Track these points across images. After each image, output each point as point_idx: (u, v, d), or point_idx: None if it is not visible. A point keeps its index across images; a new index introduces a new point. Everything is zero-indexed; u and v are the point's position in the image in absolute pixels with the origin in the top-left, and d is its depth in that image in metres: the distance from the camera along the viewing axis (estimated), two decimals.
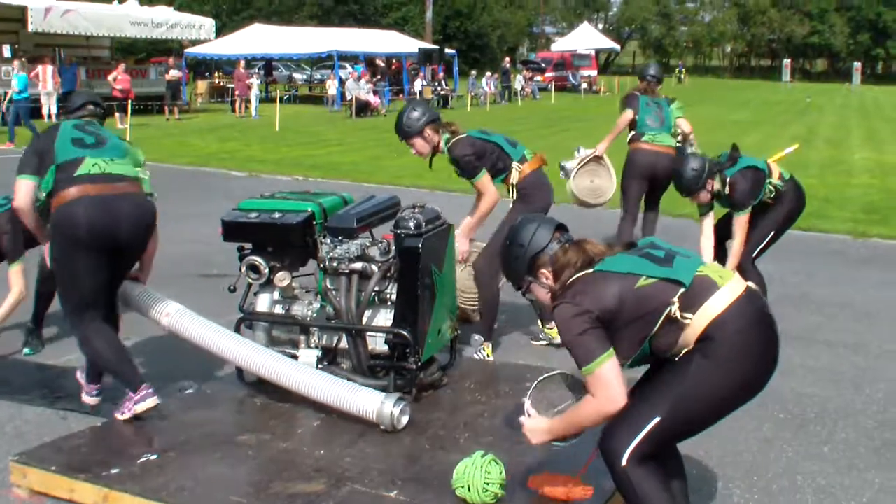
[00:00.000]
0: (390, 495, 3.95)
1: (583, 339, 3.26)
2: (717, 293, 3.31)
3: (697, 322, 3.27)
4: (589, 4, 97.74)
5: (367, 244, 5.27)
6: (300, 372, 4.83)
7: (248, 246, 5.34)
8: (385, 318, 5.13)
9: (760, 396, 3.51)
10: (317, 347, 5.25)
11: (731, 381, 3.32)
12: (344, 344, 5.18)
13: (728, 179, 7.07)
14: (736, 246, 7.10)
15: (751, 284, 3.49)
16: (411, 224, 5.04)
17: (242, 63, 33.94)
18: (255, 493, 4.01)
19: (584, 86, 50.15)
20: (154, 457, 4.32)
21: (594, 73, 56.54)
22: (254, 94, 32.16)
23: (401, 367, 5.03)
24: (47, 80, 26.62)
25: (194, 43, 36.75)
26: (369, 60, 39.73)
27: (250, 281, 5.29)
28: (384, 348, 5.12)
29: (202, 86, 39.45)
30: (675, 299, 3.29)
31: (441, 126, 6.34)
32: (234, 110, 32.65)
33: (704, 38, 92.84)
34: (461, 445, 4.45)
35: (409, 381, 5.03)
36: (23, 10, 28.23)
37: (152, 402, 4.81)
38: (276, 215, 5.27)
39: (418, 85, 37.50)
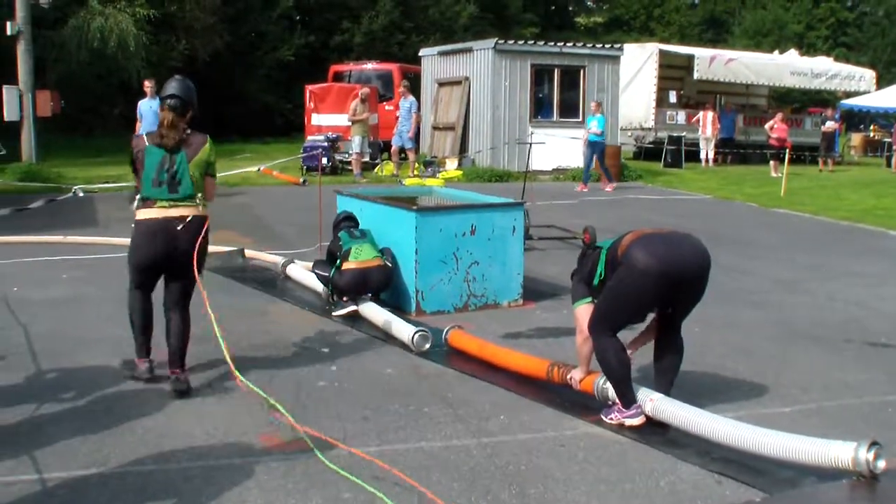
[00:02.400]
0: None
1: None
2: None
3: None
4: None
5: None
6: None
7: None
8: None
9: None
10: None
11: None
12: None
13: None
14: None
15: None
16: None
17: None
18: None
19: None
20: None
21: None
22: None
23: None
24: (706, 126, 27.33)
25: (849, 94, 35.28)
26: None
27: None
28: None
29: (857, 138, 37.70)
30: None
31: None
32: (889, 165, 30.56)
33: None
34: None
35: None
36: (690, 58, 29.49)
37: (639, 420, 5.41)
38: None
39: None
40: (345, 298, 8.07)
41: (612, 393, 5.62)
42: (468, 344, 6.88)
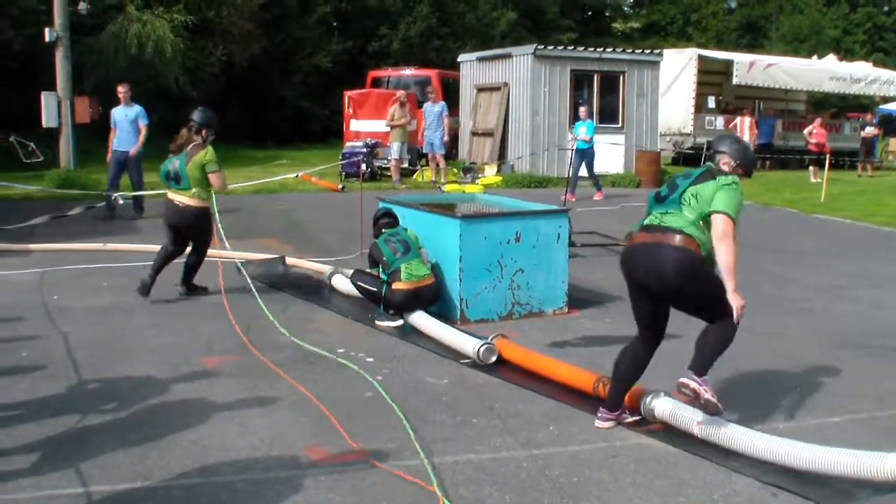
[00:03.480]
0: None
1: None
2: None
3: None
4: None
5: None
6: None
7: None
8: None
9: None
10: None
11: None
12: None
13: None
14: None
15: None
16: None
17: None
18: None
19: None
20: None
21: None
22: None
23: None
24: (744, 132, 27.05)
25: (887, 99, 34.85)
26: None
27: None
28: None
29: (895, 143, 37.24)
30: None
31: None
32: None
33: None
34: None
35: None
36: (728, 63, 29.21)
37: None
38: None
39: None
40: (391, 311, 8.00)
41: (658, 411, 5.51)
42: (513, 353, 6.76)
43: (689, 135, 28.49)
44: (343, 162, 21.12)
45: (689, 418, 5.36)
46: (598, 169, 22.22)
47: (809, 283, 10.44)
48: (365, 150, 21.28)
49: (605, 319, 8.38)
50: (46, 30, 20.29)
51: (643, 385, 5.61)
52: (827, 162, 21.54)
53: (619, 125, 23.12)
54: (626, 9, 66.10)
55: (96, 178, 19.48)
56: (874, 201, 20.15)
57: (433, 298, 8.07)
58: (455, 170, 21.90)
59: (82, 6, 22.31)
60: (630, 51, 24.97)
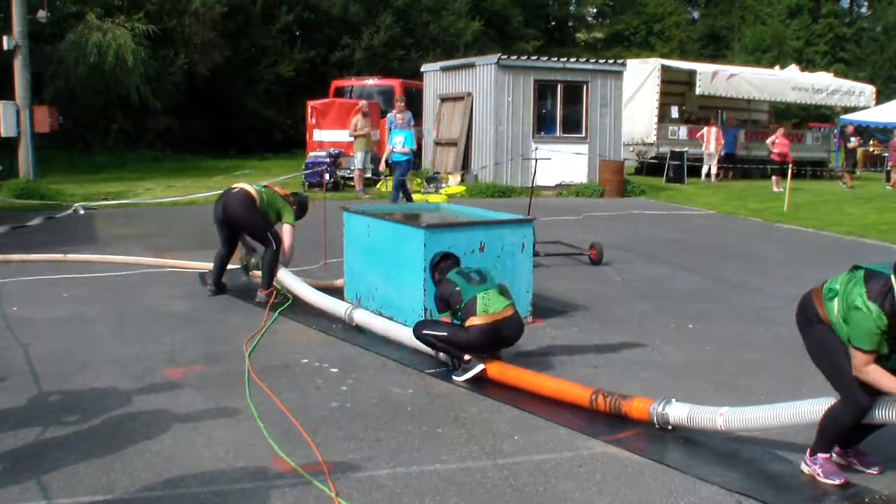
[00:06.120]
0: None
1: None
2: None
3: None
4: None
5: None
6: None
7: None
8: None
9: None
10: None
11: None
12: None
13: None
14: None
15: None
16: None
17: None
18: None
19: None
20: None
21: None
22: None
23: None
24: (710, 142, 27.30)
25: (848, 110, 35.37)
26: None
27: None
28: None
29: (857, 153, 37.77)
30: None
31: None
32: (887, 180, 30.55)
33: None
34: None
35: None
36: (692, 73, 29.52)
37: None
38: None
39: None
40: (466, 360, 6.72)
41: (672, 417, 5.56)
42: (489, 368, 6.66)
43: (652, 144, 28.73)
44: (306, 172, 21.06)
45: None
46: (561, 178, 22.38)
47: (775, 292, 10.50)
48: (328, 159, 21.24)
49: (570, 329, 8.40)
50: (4, 38, 20.08)
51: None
52: (789, 171, 21.78)
53: (583, 135, 23.25)
54: (589, 19, 66.60)
55: (56, 188, 19.32)
56: (837, 210, 20.38)
57: (516, 333, 6.89)
58: (419, 179, 21.88)
59: (41, 14, 22.04)
60: (593, 60, 25.11)
